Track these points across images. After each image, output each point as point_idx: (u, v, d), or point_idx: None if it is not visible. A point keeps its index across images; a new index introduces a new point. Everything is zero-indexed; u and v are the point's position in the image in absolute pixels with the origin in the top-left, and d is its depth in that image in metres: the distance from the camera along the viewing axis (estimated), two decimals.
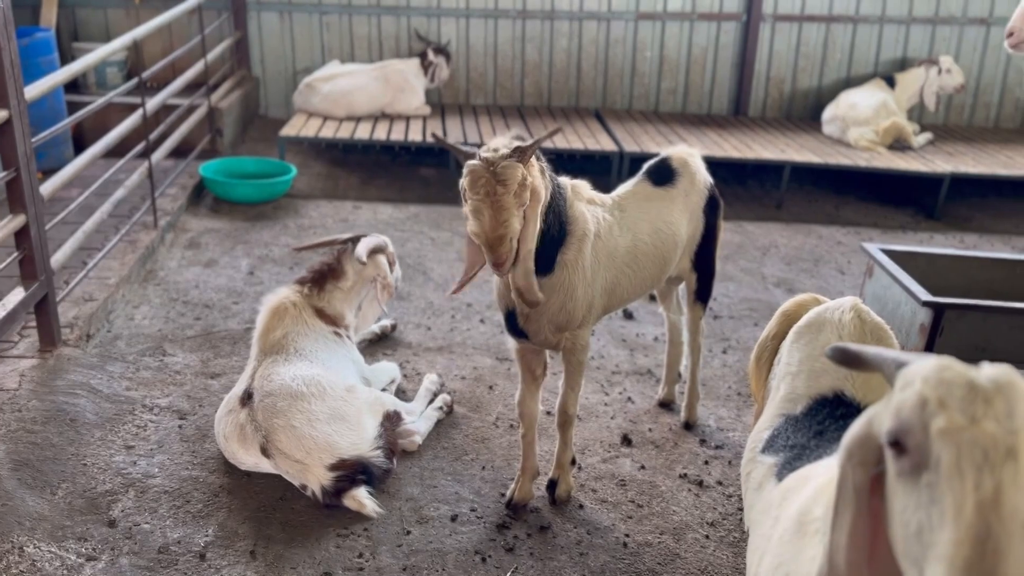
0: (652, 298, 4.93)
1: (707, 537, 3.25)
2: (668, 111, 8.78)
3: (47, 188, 4.01)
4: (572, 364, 3.21)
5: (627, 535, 3.24)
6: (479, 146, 2.83)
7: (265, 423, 3.27)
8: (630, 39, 8.56)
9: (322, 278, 3.95)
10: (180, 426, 3.71)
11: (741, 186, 7.81)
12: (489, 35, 8.49)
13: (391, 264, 4.15)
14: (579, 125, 7.88)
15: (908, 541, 1.09)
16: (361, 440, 3.31)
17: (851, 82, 8.58)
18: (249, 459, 3.35)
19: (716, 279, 3.84)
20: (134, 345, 4.34)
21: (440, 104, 8.40)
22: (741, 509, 3.20)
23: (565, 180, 3.10)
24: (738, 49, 8.65)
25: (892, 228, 6.94)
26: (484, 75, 8.61)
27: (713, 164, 7.20)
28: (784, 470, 1.75)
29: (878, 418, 1.20)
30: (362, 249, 3.92)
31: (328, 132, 7.15)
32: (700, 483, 3.57)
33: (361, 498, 3.18)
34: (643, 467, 3.66)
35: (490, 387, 4.20)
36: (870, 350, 1.25)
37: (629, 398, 4.20)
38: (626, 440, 3.83)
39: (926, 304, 3.44)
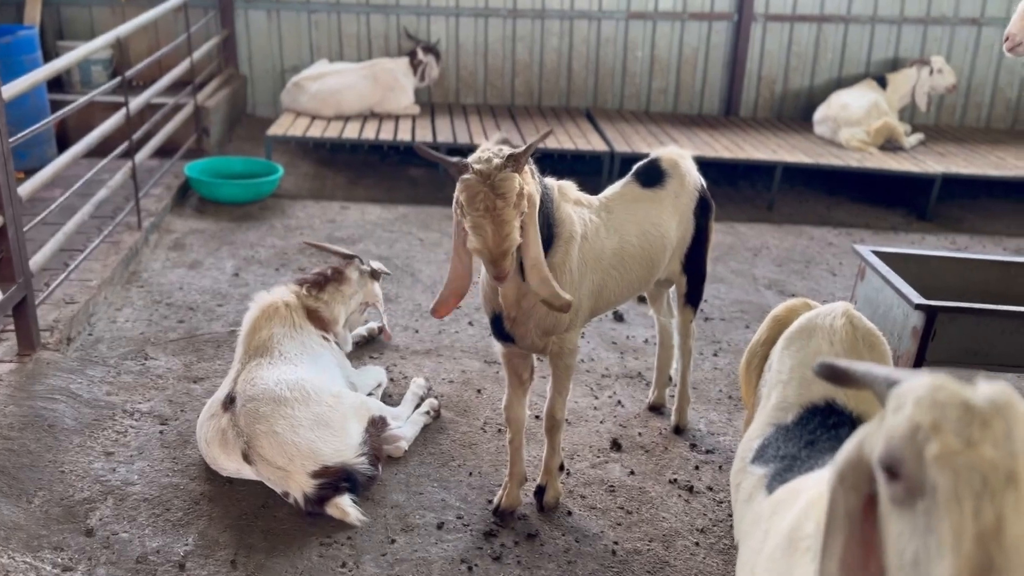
0: (642, 299, 4.88)
1: (697, 544, 3.20)
2: (659, 111, 8.73)
3: (26, 189, 3.93)
4: (560, 368, 3.15)
5: (616, 542, 3.18)
6: (470, 150, 2.76)
7: (247, 428, 3.21)
8: (621, 38, 8.50)
9: (325, 280, 3.97)
10: (161, 432, 3.64)
11: (732, 187, 7.77)
12: (479, 34, 8.42)
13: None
14: (570, 125, 7.83)
15: (904, 570, 1.04)
16: (345, 446, 3.25)
17: (843, 82, 8.55)
18: (231, 465, 3.29)
19: (707, 281, 3.79)
20: (116, 348, 4.27)
21: (430, 103, 8.33)
22: (732, 515, 3.15)
23: (551, 181, 3.04)
24: (729, 49, 8.61)
25: (884, 229, 6.91)
26: (474, 74, 8.55)
27: (704, 164, 7.15)
28: (774, 482, 1.70)
29: (870, 439, 1.14)
30: (378, 264, 4.22)
31: (316, 131, 7.08)
32: (690, 489, 3.51)
33: (344, 506, 3.12)
34: (633, 472, 3.61)
35: (478, 391, 4.14)
36: (859, 367, 1.19)
37: (619, 402, 4.14)
38: (616, 445, 3.78)
39: (918, 307, 3.39)
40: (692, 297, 3.67)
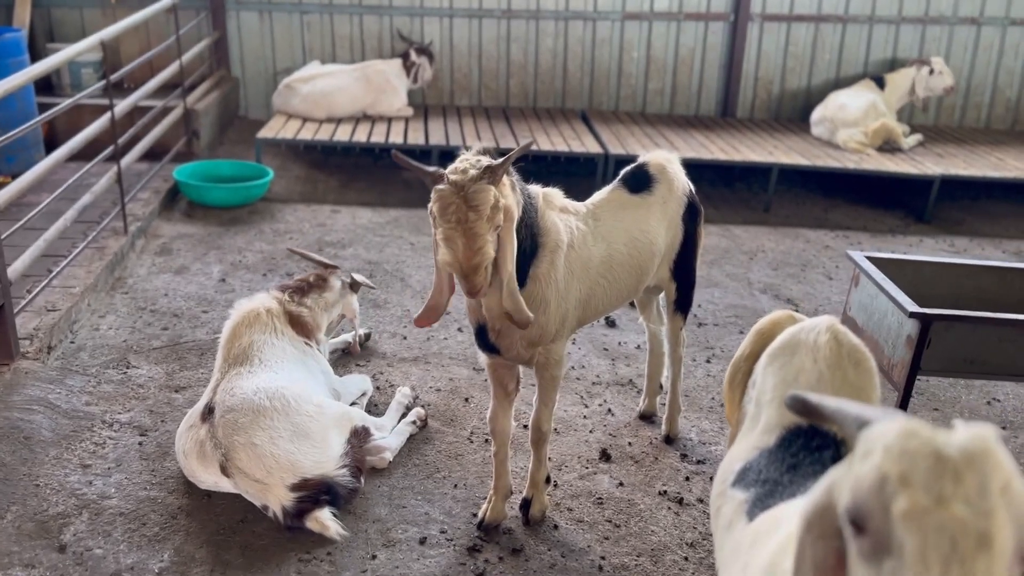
0: (632, 304, 4.80)
1: (686, 559, 3.12)
2: (655, 112, 8.65)
3: (4, 195, 3.86)
4: (546, 379, 3.08)
5: (603, 557, 3.11)
6: (456, 154, 2.69)
7: (225, 440, 3.13)
8: (616, 39, 8.43)
9: (308, 287, 3.93)
10: (140, 443, 3.57)
11: (728, 189, 7.70)
12: (473, 35, 8.35)
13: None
14: (564, 127, 7.75)
15: None
16: (326, 458, 3.17)
17: (840, 83, 8.47)
18: (208, 478, 3.21)
19: (700, 285, 3.72)
20: (97, 357, 4.20)
21: (424, 105, 8.26)
22: None
23: (536, 189, 2.96)
24: (726, 49, 8.53)
25: (881, 231, 6.83)
26: (468, 76, 8.48)
27: (700, 166, 7.16)
28: (755, 508, 1.62)
29: (838, 487, 1.06)
30: (362, 277, 4.17)
31: (307, 134, 7.00)
32: (680, 501, 3.44)
33: (324, 519, 3.05)
34: (621, 484, 3.53)
35: (466, 399, 4.07)
36: (830, 404, 1.11)
37: (609, 410, 4.07)
38: (604, 455, 3.70)
39: (913, 315, 3.31)
40: (682, 304, 3.59)
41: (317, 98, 7.34)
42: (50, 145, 6.70)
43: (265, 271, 5.30)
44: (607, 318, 4.93)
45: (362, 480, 3.31)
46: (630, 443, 3.81)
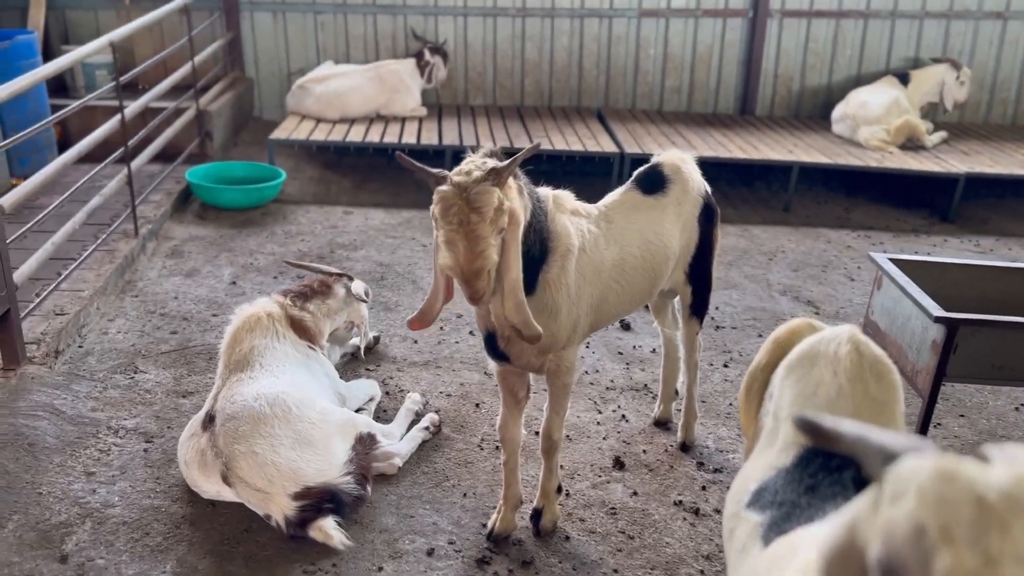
0: (647, 308, 4.70)
1: (702, 573, 3.02)
2: (672, 110, 8.53)
3: (11, 198, 3.82)
4: (557, 387, 2.99)
5: (616, 570, 3.01)
6: (463, 156, 2.61)
7: (226, 449, 3.07)
8: (633, 37, 8.31)
9: (312, 292, 3.89)
10: (146, 450, 3.51)
11: (747, 188, 7.57)
12: (488, 34, 8.26)
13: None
14: (580, 126, 7.65)
15: None
16: (329, 466, 3.10)
17: (862, 79, 8.30)
18: (211, 487, 3.15)
19: (718, 287, 3.62)
20: (105, 362, 4.15)
21: (438, 105, 8.18)
22: None
23: (546, 191, 2.87)
24: (744, 46, 8.39)
25: (905, 231, 6.67)
26: (483, 75, 8.39)
27: (718, 165, 7.03)
28: (771, 532, 1.52)
29: (862, 525, 0.96)
30: (360, 287, 4.08)
31: (320, 135, 6.95)
32: (696, 511, 3.33)
33: (328, 529, 2.97)
34: (635, 493, 3.43)
35: (476, 405, 3.99)
36: (849, 430, 1.00)
37: (623, 416, 3.97)
38: (618, 463, 3.60)
39: (938, 320, 3.19)
40: (697, 308, 3.49)
41: (330, 98, 7.29)
42: (64, 148, 6.68)
43: (276, 273, 5.25)
44: (622, 321, 4.83)
45: (368, 488, 3.23)
46: (645, 450, 3.71)
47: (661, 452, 3.71)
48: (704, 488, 3.48)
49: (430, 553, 3.03)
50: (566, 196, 2.97)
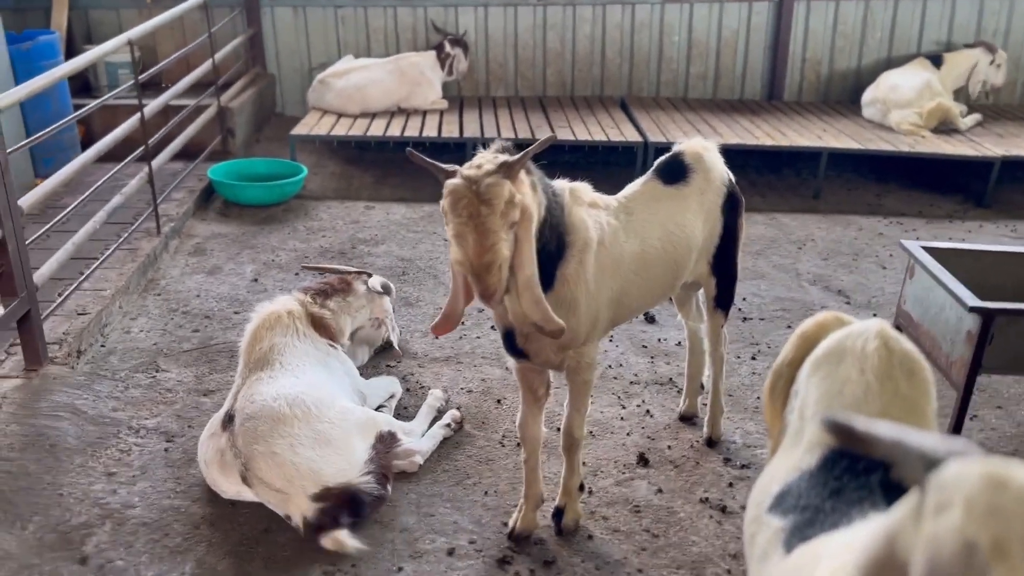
0: (670, 300, 4.61)
1: (729, 572, 2.94)
2: (697, 97, 8.39)
3: (29, 199, 3.82)
4: (577, 384, 2.92)
5: (640, 570, 2.94)
6: (480, 148, 2.54)
7: (245, 449, 3.04)
8: (656, 23, 8.18)
9: (332, 290, 3.87)
10: (166, 449, 3.50)
11: (775, 175, 7.42)
12: (509, 24, 8.18)
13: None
14: (603, 115, 7.54)
15: None
16: (348, 465, 3.06)
17: (892, 62, 8.10)
18: (230, 487, 3.13)
19: (746, 277, 3.52)
20: (127, 361, 4.15)
21: (459, 97, 8.11)
22: None
23: (562, 184, 2.79)
24: (771, 30, 8.22)
25: (938, 217, 6.50)
26: (504, 66, 8.31)
27: (745, 152, 6.90)
28: (793, 538, 1.45)
29: (903, 537, 0.88)
30: (376, 281, 4.06)
31: (341, 130, 6.92)
32: (723, 509, 3.25)
33: (342, 539, 2.90)
34: (660, 490, 3.36)
35: (498, 401, 3.93)
36: (885, 433, 0.91)
37: (648, 411, 3.89)
38: (643, 459, 3.53)
39: (973, 310, 3.07)
40: (722, 300, 3.40)
41: (351, 93, 7.25)
42: (87, 147, 6.73)
43: (298, 270, 5.23)
44: (647, 314, 4.74)
45: (389, 488, 3.19)
46: (670, 446, 3.64)
47: (687, 448, 3.63)
48: (731, 485, 3.40)
49: (450, 553, 2.99)
50: (583, 188, 2.89)
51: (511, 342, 2.81)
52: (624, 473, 3.46)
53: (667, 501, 3.30)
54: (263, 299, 3.74)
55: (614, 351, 4.40)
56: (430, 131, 6.93)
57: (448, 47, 7.62)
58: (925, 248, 3.57)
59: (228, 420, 3.17)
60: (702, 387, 3.81)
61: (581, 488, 3.17)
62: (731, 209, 3.26)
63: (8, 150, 3.54)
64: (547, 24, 8.17)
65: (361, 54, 8.11)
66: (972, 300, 3.09)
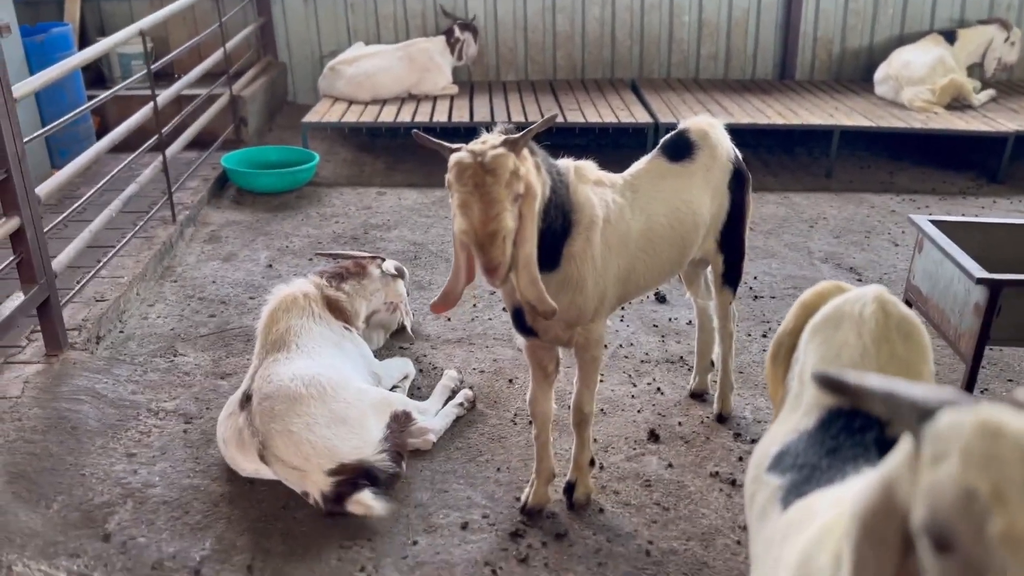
0: (679, 278, 4.63)
1: (739, 543, 2.98)
2: (708, 78, 8.36)
3: (45, 188, 3.89)
4: (586, 360, 2.96)
5: (651, 542, 2.99)
6: (483, 131, 2.58)
7: (263, 428, 3.11)
8: (666, 4, 8.16)
9: (347, 274, 3.92)
10: (185, 431, 3.57)
11: (788, 154, 7.40)
12: (518, 7, 8.18)
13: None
14: (613, 97, 7.54)
15: None
16: (363, 443, 3.12)
17: (904, 39, 8.04)
18: (249, 465, 3.20)
19: (757, 256, 3.54)
20: (145, 346, 4.23)
21: (469, 82, 8.13)
22: None
23: (567, 163, 2.82)
24: (782, 9, 8.18)
25: (951, 194, 6.48)
26: (514, 50, 8.32)
27: (757, 132, 6.89)
28: (790, 495, 1.48)
29: (900, 487, 0.91)
30: (390, 264, 4.12)
31: (352, 117, 6.96)
32: (733, 482, 3.29)
33: (366, 500, 2.97)
34: (671, 465, 3.40)
35: (510, 380, 3.98)
36: (876, 385, 0.94)
37: (658, 389, 3.93)
38: (653, 435, 3.57)
39: (981, 281, 3.09)
40: (730, 277, 3.42)
41: (361, 80, 7.29)
42: (102, 137, 6.82)
43: (311, 256, 5.29)
44: (657, 293, 4.77)
45: (403, 465, 3.25)
46: (680, 423, 3.67)
47: (697, 424, 3.67)
48: (741, 459, 3.43)
49: (464, 527, 3.04)
50: (588, 166, 2.91)
51: (520, 320, 2.85)
52: (635, 449, 3.50)
53: (677, 475, 3.34)
54: (278, 284, 3.81)
55: (625, 330, 4.43)
56: (441, 116, 6.96)
57: (458, 32, 7.64)
58: (934, 222, 3.58)
59: (246, 400, 3.23)
60: (712, 364, 3.84)
61: (592, 463, 3.22)
62: (738, 186, 3.27)
63: (25, 139, 3.60)
64: (556, 7, 8.16)
65: (371, 41, 8.14)
66: (979, 272, 3.10)
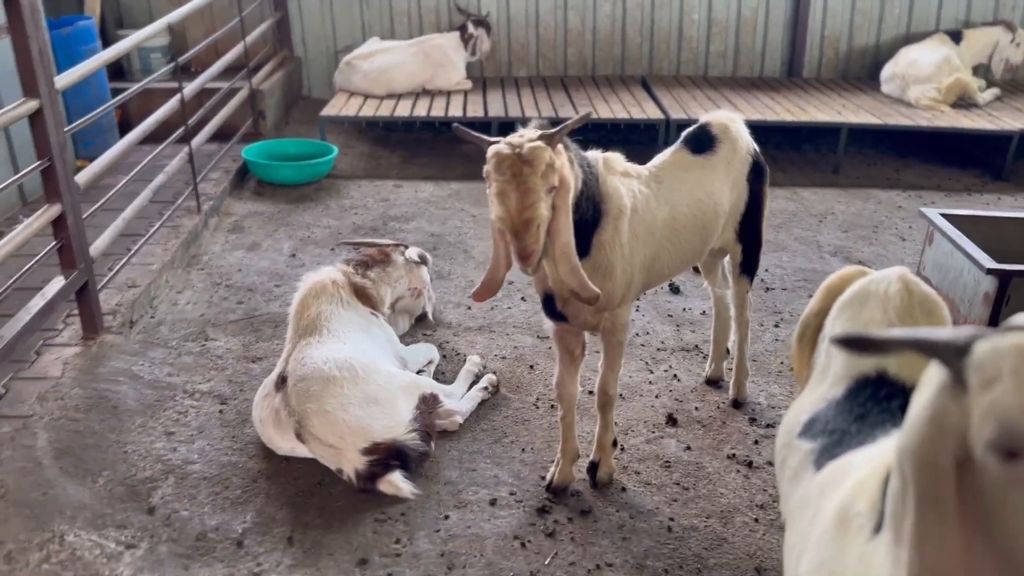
0: (696, 270, 4.76)
1: (756, 520, 3.12)
2: (718, 75, 8.49)
3: (84, 177, 4.02)
4: (612, 344, 3.09)
5: (672, 519, 3.12)
6: (522, 124, 2.70)
7: (299, 408, 3.24)
8: (676, 2, 8.28)
9: (373, 262, 4.05)
10: (220, 411, 3.70)
11: (796, 151, 7.53)
12: (530, 4, 8.30)
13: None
14: (624, 94, 7.67)
15: None
16: (395, 423, 3.26)
17: (911, 38, 8.16)
18: (285, 444, 3.33)
19: (768, 249, 3.67)
20: (177, 330, 4.36)
21: (482, 78, 8.25)
22: None
23: (596, 154, 2.95)
24: (790, 8, 8.30)
25: (957, 191, 6.61)
26: (526, 46, 8.44)
27: (766, 129, 7.01)
28: (823, 457, 1.61)
29: (945, 414, 1.05)
30: (413, 251, 4.25)
31: (368, 111, 7.09)
32: (749, 464, 3.42)
33: (396, 482, 3.13)
34: (689, 448, 3.53)
35: (531, 367, 4.11)
36: (905, 333, 1.08)
37: (675, 376, 4.06)
38: (671, 420, 3.70)
39: (990, 272, 3.22)
40: (747, 266, 3.56)
41: (377, 75, 7.41)
42: (124, 129, 6.92)
43: (333, 246, 5.42)
44: (671, 284, 4.90)
45: (432, 445, 3.38)
46: (697, 408, 3.81)
47: (713, 409, 3.80)
48: (756, 442, 3.57)
49: (493, 503, 3.17)
50: (616, 158, 3.05)
51: (551, 306, 2.98)
52: (654, 432, 3.63)
53: (695, 457, 3.47)
54: (301, 274, 3.95)
55: (641, 320, 4.56)
56: (455, 111, 7.08)
57: (471, 28, 7.76)
58: (944, 215, 3.71)
59: (281, 382, 3.36)
60: (727, 352, 3.97)
61: (614, 444, 3.35)
62: (756, 178, 3.41)
63: (69, 128, 3.73)
64: (568, 4, 8.28)
65: (385, 36, 8.26)
66: (989, 262, 3.23)
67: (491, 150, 2.56)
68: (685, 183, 3.18)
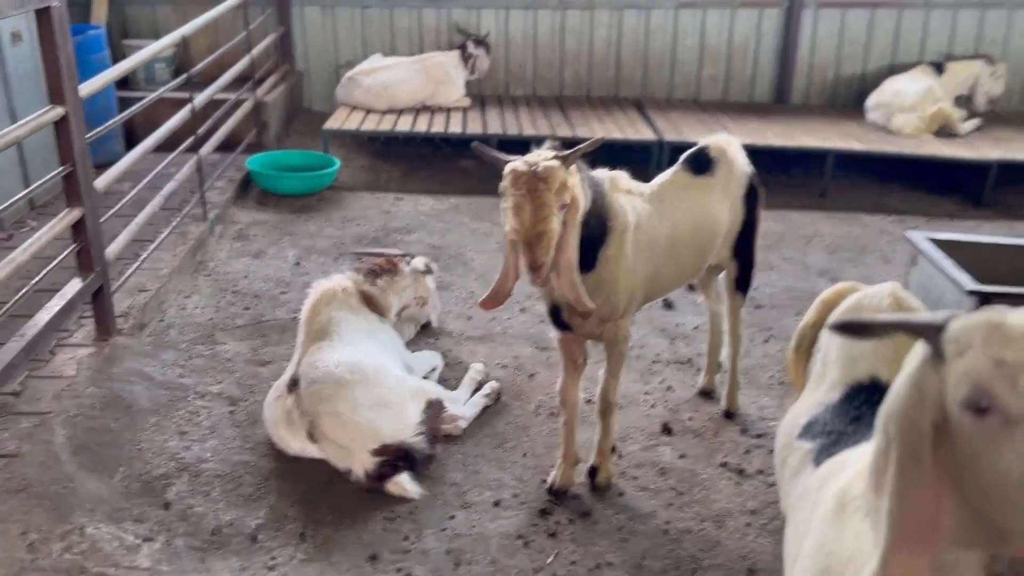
0: (691, 288, 4.92)
1: (748, 525, 3.27)
2: (709, 99, 8.72)
3: (102, 182, 4.15)
4: (614, 353, 3.25)
5: (668, 522, 3.27)
6: (520, 141, 2.87)
7: (311, 409, 3.37)
8: (670, 28, 8.51)
9: (381, 270, 4.18)
10: (231, 412, 3.82)
11: (784, 174, 7.73)
12: (529, 26, 8.51)
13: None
14: (619, 115, 7.87)
15: (1016, 489, 1.15)
16: (403, 426, 3.39)
17: (896, 69, 8.41)
18: (296, 444, 3.45)
19: (758, 268, 3.85)
20: (186, 334, 4.48)
21: (480, 96, 8.43)
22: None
23: (602, 173, 3.13)
24: (780, 37, 8.55)
25: (939, 216, 6.83)
26: (523, 67, 8.64)
27: (755, 152, 7.11)
28: (821, 456, 1.78)
29: (924, 381, 1.25)
30: (419, 261, 4.38)
31: (370, 125, 7.24)
32: (741, 472, 3.58)
33: (404, 483, 3.26)
34: (683, 455, 3.68)
35: (531, 375, 4.25)
36: (893, 317, 1.30)
37: (669, 387, 4.22)
38: (666, 429, 3.85)
39: (971, 293, 3.40)
40: (742, 283, 3.73)
41: (379, 90, 7.57)
42: (128, 136, 7.05)
43: (337, 255, 5.55)
44: (665, 300, 5.07)
45: (438, 447, 3.52)
46: (690, 418, 3.96)
47: (706, 419, 3.96)
48: (748, 452, 3.73)
49: (496, 504, 3.31)
50: (621, 176, 3.23)
51: (557, 316, 3.15)
52: (650, 440, 3.79)
53: (690, 464, 3.62)
54: (306, 282, 4.09)
55: (636, 334, 4.71)
56: (454, 127, 7.25)
57: (471, 47, 7.94)
58: (928, 239, 3.90)
59: (293, 384, 3.49)
60: (720, 365, 4.14)
61: (613, 450, 3.50)
62: (752, 199, 3.60)
63: (88, 135, 3.86)
64: (566, 27, 8.50)
65: (387, 53, 8.42)
66: (971, 284, 3.41)
67: (508, 167, 2.72)
68: (685, 202, 3.35)
